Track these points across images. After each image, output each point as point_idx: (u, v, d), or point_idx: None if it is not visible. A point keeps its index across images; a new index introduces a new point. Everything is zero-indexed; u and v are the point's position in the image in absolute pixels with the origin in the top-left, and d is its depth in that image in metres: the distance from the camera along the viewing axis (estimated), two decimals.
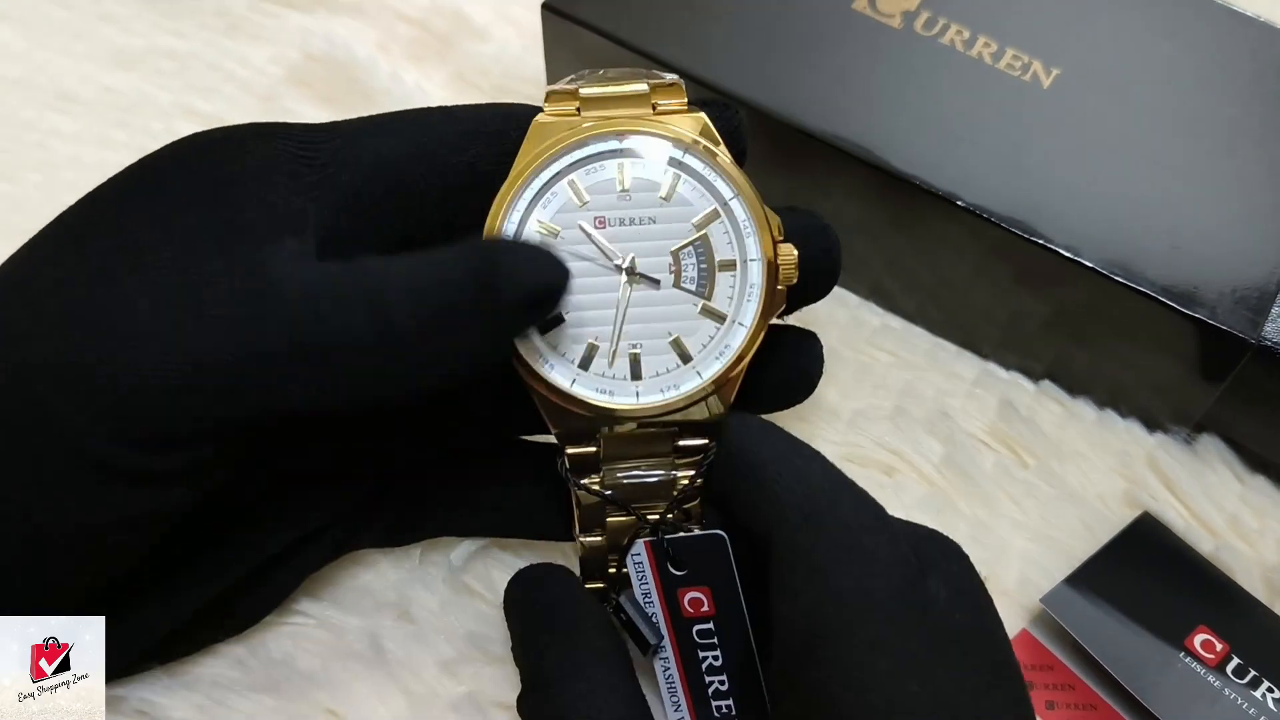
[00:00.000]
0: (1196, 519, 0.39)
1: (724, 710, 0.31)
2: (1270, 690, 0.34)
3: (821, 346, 0.33)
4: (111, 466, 0.25)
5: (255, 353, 0.25)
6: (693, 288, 0.30)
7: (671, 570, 0.31)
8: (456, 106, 0.30)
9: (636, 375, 0.30)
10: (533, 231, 0.29)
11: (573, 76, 0.31)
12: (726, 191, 0.30)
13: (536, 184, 0.29)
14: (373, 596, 0.36)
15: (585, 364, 0.30)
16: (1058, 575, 0.37)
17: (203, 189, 0.27)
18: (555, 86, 0.30)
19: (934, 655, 0.26)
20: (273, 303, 0.25)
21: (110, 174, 0.51)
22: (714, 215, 0.30)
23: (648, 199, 0.30)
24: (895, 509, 0.29)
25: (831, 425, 0.40)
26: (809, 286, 0.32)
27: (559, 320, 0.29)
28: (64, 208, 0.46)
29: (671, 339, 0.30)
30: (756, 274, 0.30)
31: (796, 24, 0.42)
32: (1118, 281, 0.36)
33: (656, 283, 0.30)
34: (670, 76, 0.31)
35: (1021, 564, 0.38)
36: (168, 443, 0.25)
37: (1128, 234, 0.37)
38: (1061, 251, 0.37)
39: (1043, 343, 0.41)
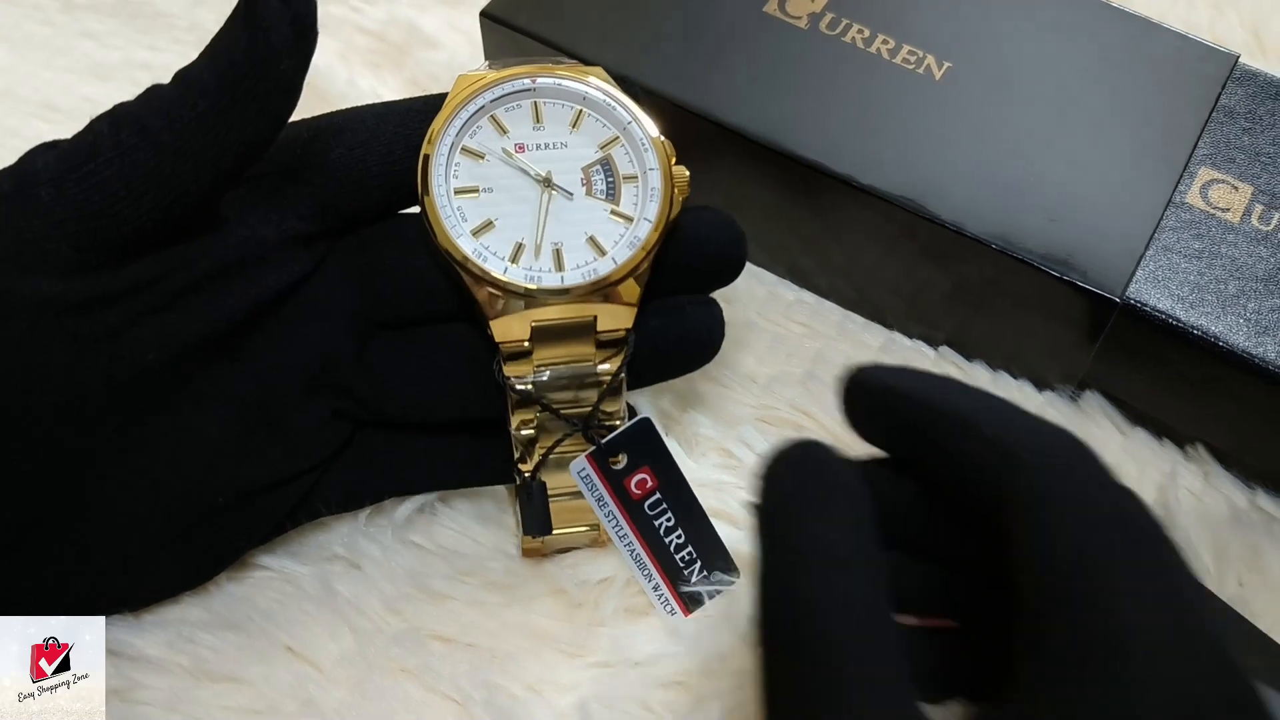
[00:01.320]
0: None
1: (687, 558, 0.37)
2: None
3: (721, 310, 0.37)
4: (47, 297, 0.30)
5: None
6: (602, 197, 0.36)
7: (613, 468, 0.36)
8: (393, 101, 0.36)
9: (560, 266, 0.35)
10: (461, 156, 0.35)
11: (485, 64, 0.37)
12: (624, 117, 0.36)
13: (464, 115, 0.35)
14: (323, 549, 0.39)
15: (515, 258, 0.35)
16: None
17: None
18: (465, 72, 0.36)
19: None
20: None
21: None
22: (615, 139, 0.36)
23: (558, 129, 0.36)
24: None
25: (748, 390, 0.44)
26: (719, 275, 0.37)
27: (490, 226, 0.35)
28: None
29: (588, 237, 0.36)
30: (656, 180, 0.36)
31: (714, 26, 0.45)
32: (1002, 252, 0.40)
33: (570, 194, 0.36)
34: (567, 60, 0.36)
35: None
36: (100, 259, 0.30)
37: (1011, 209, 0.41)
38: (951, 226, 0.41)
39: (944, 313, 0.44)
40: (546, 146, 0.36)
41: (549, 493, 0.37)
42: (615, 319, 0.35)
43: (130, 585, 0.34)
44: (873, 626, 0.22)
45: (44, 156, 0.30)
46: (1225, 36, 0.54)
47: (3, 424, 0.30)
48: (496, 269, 0.34)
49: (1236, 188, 0.41)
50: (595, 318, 0.35)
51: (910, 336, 0.46)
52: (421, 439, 0.38)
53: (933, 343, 0.46)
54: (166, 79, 0.32)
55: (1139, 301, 0.39)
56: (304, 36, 0.31)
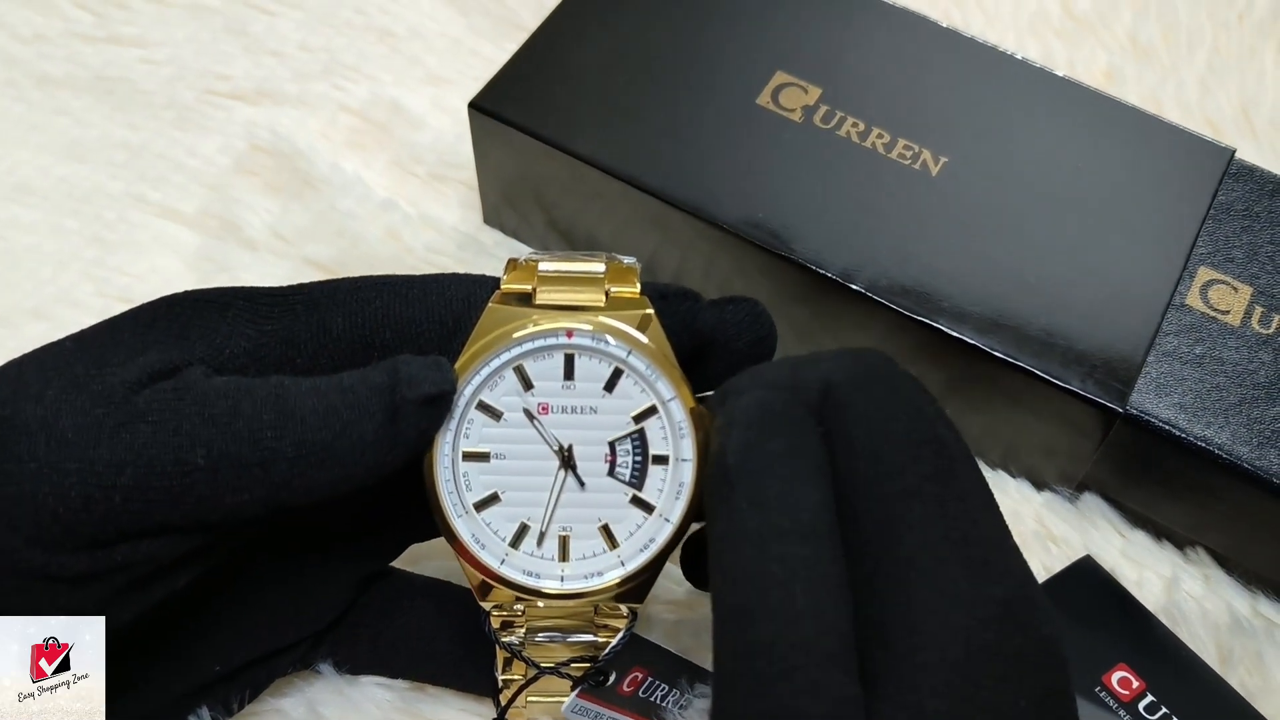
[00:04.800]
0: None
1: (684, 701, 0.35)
2: None
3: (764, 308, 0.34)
4: (45, 572, 0.27)
5: (165, 457, 0.27)
6: (626, 478, 0.31)
7: (604, 685, 0.34)
8: (417, 280, 0.32)
9: (564, 557, 0.32)
10: (476, 412, 0.31)
11: (535, 252, 0.32)
12: (666, 392, 0.31)
13: (486, 371, 0.30)
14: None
15: (515, 542, 0.31)
16: None
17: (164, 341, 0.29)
18: (517, 258, 0.32)
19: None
20: (188, 404, 0.27)
21: (66, 262, 0.53)
22: (652, 410, 0.31)
23: (591, 389, 0.31)
24: None
25: None
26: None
27: (495, 500, 0.31)
28: (24, 295, 0.49)
29: (600, 524, 0.32)
30: (687, 474, 0.31)
31: (705, 118, 0.45)
32: (996, 356, 0.40)
33: (584, 485, 0.31)
34: (628, 260, 0.32)
35: None
36: (90, 545, 0.27)
37: (1008, 311, 0.41)
38: (946, 329, 0.40)
39: None
40: (574, 410, 0.31)
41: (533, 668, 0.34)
42: (614, 615, 0.33)
43: None
44: (832, 603, 0.24)
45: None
46: (1215, 115, 0.54)
47: None
48: (493, 560, 0.31)
49: (1236, 289, 0.41)
50: (594, 608, 0.32)
51: None
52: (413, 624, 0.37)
53: None
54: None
55: (1142, 411, 0.39)
56: (433, 406, 0.29)
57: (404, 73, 0.55)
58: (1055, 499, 0.43)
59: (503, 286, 0.31)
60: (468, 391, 0.30)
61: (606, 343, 0.31)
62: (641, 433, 0.31)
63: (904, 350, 0.42)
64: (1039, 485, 0.44)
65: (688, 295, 0.33)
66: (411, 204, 0.51)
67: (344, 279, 0.32)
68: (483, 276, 0.32)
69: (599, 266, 0.32)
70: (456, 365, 0.30)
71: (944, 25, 0.48)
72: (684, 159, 0.44)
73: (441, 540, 0.32)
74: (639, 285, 0.32)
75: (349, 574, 0.35)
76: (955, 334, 0.40)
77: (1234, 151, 0.44)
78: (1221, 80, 0.55)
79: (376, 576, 0.36)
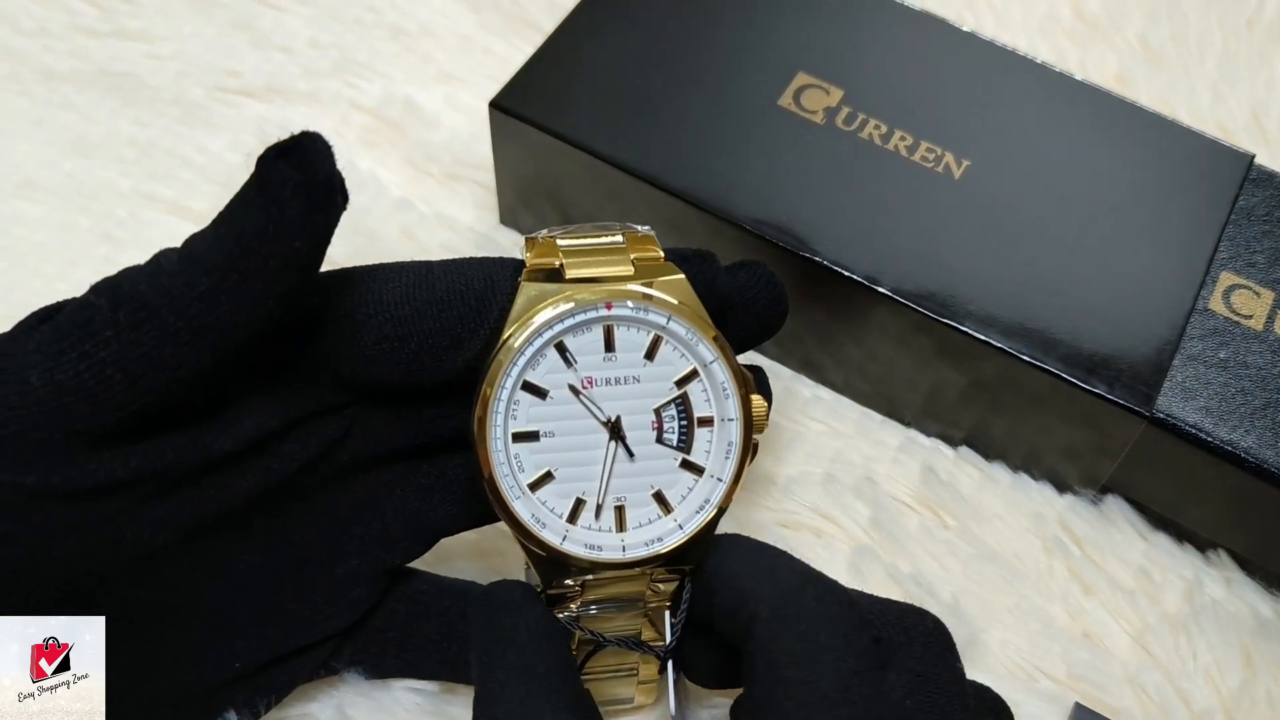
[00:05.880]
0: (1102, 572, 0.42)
1: None
2: None
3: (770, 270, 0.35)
4: (40, 488, 0.28)
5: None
6: (674, 443, 0.32)
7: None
8: (439, 265, 0.32)
9: (621, 527, 0.32)
10: (522, 393, 0.31)
11: (545, 231, 0.33)
12: (707, 355, 0.31)
13: (529, 351, 0.30)
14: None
15: (573, 517, 0.31)
16: (980, 627, 0.40)
17: None
18: (534, 236, 0.32)
19: None
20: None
21: (75, 259, 0.53)
22: (693, 374, 0.32)
23: (632, 359, 0.31)
24: (826, 570, 0.31)
25: (768, 493, 0.43)
26: (761, 333, 0.35)
27: (549, 478, 0.31)
28: (30, 294, 0.48)
29: (654, 491, 0.32)
30: (735, 432, 0.32)
31: (726, 120, 0.45)
32: (1023, 359, 0.40)
33: (634, 456, 0.31)
34: (642, 229, 0.33)
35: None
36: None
37: (1032, 314, 0.41)
38: (971, 332, 0.40)
39: (961, 411, 0.44)
40: (617, 381, 0.31)
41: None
42: (666, 579, 0.33)
43: None
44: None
45: (35, 336, 0.28)
46: (1226, 120, 0.54)
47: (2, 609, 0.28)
48: (554, 538, 0.31)
49: (1258, 294, 0.41)
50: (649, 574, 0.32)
51: (928, 435, 0.45)
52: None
53: (951, 442, 0.45)
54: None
55: (1168, 414, 0.39)
56: (320, 209, 0.28)
57: (416, 70, 0.55)
58: (1078, 501, 0.43)
59: (529, 264, 0.31)
60: (514, 373, 0.30)
61: (647, 311, 0.31)
62: (684, 397, 0.32)
63: (927, 352, 0.42)
64: (1061, 488, 0.44)
65: (705, 256, 0.33)
66: (426, 203, 0.50)
67: (359, 266, 0.32)
68: (499, 258, 0.33)
69: (618, 238, 0.32)
70: (498, 348, 0.30)
71: (963, 29, 0.48)
72: (704, 159, 0.44)
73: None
74: (660, 250, 0.32)
75: (367, 570, 0.34)
76: (980, 337, 0.40)
77: (1253, 157, 0.45)
78: (1232, 85, 0.56)
79: (399, 577, 0.36)
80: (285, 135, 0.28)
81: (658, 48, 0.46)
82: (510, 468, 0.31)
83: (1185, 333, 0.40)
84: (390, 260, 0.33)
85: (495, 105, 0.45)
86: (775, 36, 0.47)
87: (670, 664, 0.33)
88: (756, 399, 0.32)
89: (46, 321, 0.29)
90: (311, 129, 0.29)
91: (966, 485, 0.44)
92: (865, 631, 0.29)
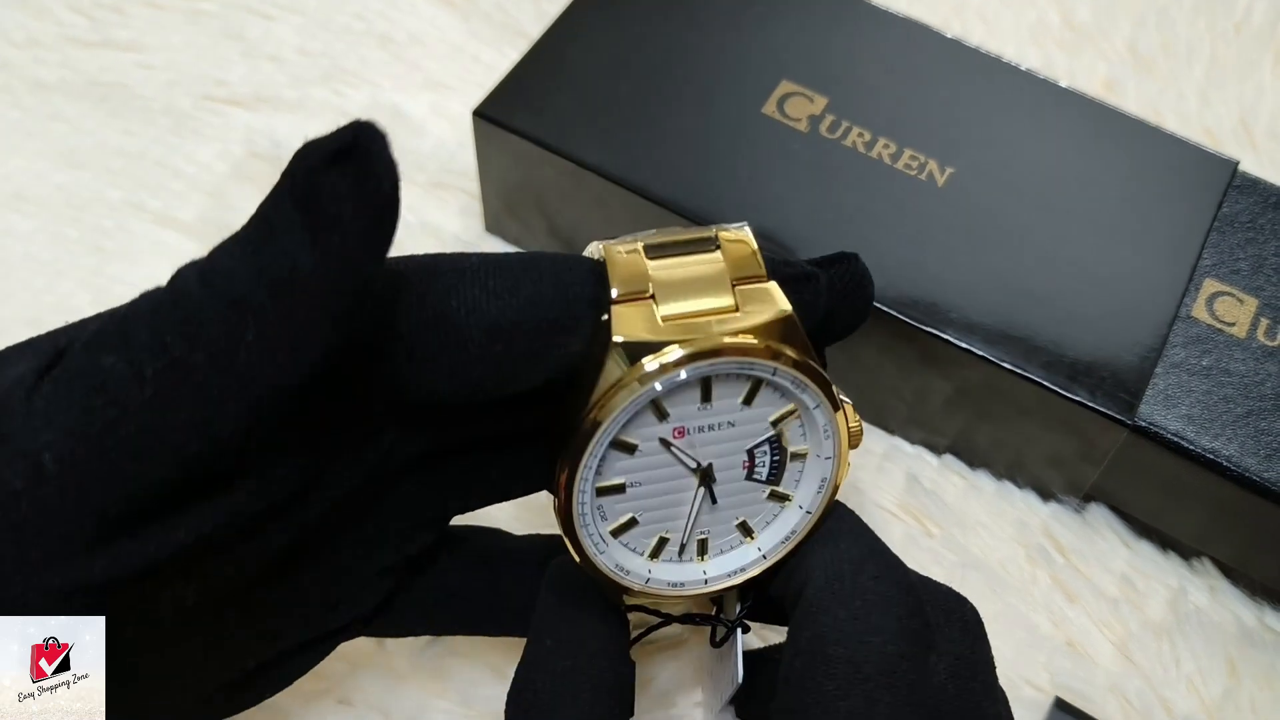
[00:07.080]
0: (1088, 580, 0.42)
1: None
2: None
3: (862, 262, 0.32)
4: (70, 587, 0.24)
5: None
6: (763, 478, 0.30)
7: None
8: (499, 263, 0.27)
9: (703, 554, 0.31)
10: (609, 450, 0.28)
11: (630, 241, 0.28)
12: (810, 401, 0.29)
13: (623, 417, 0.27)
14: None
15: (655, 554, 0.30)
16: None
17: None
18: (615, 248, 0.28)
19: None
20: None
21: (65, 272, 0.53)
22: (792, 413, 0.29)
23: (728, 405, 0.28)
24: None
25: None
26: (848, 331, 0.33)
27: (633, 523, 0.29)
28: (21, 306, 0.48)
29: (738, 523, 0.30)
30: (829, 470, 0.30)
31: (711, 127, 0.45)
32: (1006, 367, 0.40)
33: (716, 502, 0.30)
34: (737, 229, 0.29)
35: None
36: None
37: (1015, 322, 0.41)
38: (954, 340, 0.40)
39: (945, 419, 0.44)
40: (710, 429, 0.29)
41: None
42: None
43: None
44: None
45: (41, 402, 0.23)
46: (1214, 126, 0.54)
47: None
48: (638, 581, 0.30)
49: (1242, 301, 0.41)
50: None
51: (912, 443, 0.45)
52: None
53: (935, 450, 0.45)
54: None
55: (1151, 422, 0.39)
56: (385, 224, 0.24)
57: (404, 79, 0.55)
58: (1061, 510, 0.43)
59: (617, 292, 0.27)
60: (605, 440, 0.28)
61: (752, 367, 0.27)
62: (780, 433, 0.29)
63: (910, 360, 0.42)
64: (1045, 496, 0.44)
65: (810, 278, 0.30)
66: (412, 211, 0.51)
67: (408, 259, 0.28)
68: (571, 258, 0.28)
69: (716, 256, 0.28)
70: (591, 414, 0.27)
71: (949, 36, 0.48)
72: (689, 167, 0.44)
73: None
74: (761, 263, 0.28)
75: (389, 558, 0.32)
76: (963, 345, 0.40)
77: (1238, 164, 0.44)
78: (1220, 91, 0.56)
79: (454, 538, 0.34)
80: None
81: (642, 55, 0.46)
82: (592, 518, 0.29)
83: (1168, 340, 0.40)
84: None
85: (479, 113, 0.45)
86: (760, 44, 0.47)
87: (739, 631, 0.32)
88: (853, 417, 0.30)
89: (44, 376, 0.24)
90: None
91: (950, 493, 0.44)
92: (918, 617, 0.28)
